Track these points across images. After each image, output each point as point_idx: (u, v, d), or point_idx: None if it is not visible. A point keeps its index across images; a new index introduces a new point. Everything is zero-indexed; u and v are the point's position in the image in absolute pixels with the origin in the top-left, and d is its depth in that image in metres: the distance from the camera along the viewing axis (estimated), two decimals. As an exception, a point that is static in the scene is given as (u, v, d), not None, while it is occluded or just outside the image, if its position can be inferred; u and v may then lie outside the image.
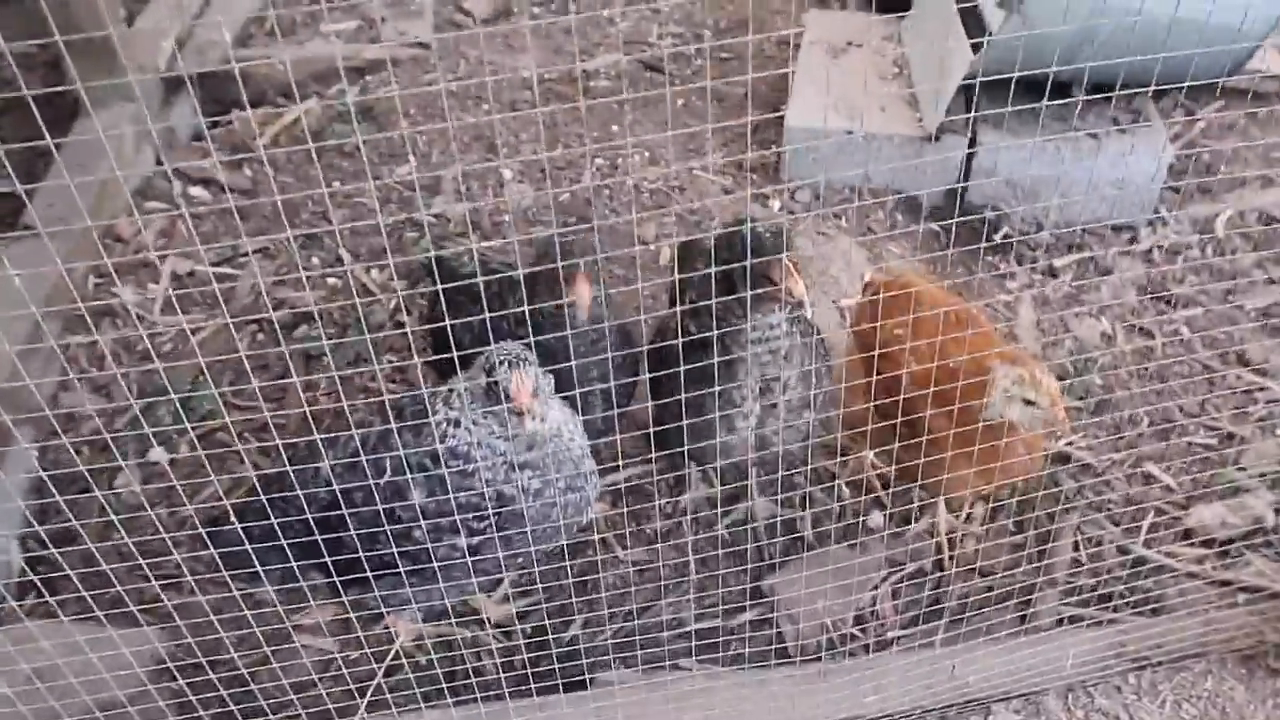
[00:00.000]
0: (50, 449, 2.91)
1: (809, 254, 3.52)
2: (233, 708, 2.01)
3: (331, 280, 3.48)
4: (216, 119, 4.16)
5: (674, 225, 3.69)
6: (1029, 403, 2.11)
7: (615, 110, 4.23)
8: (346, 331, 3.27)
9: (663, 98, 4.24)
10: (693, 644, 2.33)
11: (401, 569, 1.99)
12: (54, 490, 1.88)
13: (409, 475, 1.96)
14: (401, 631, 2.42)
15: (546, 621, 2.38)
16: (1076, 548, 2.63)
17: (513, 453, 1.96)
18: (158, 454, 2.94)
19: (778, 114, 3.85)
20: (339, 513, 1.87)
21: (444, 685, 2.24)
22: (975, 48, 3.44)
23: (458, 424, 1.98)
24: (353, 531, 1.84)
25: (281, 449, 2.43)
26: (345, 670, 2.39)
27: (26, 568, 2.64)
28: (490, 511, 1.97)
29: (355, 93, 4.38)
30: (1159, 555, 2.59)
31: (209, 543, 2.13)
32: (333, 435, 2.11)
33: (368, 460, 1.96)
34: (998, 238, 3.62)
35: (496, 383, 1.90)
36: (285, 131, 4.18)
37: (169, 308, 3.38)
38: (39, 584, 2.19)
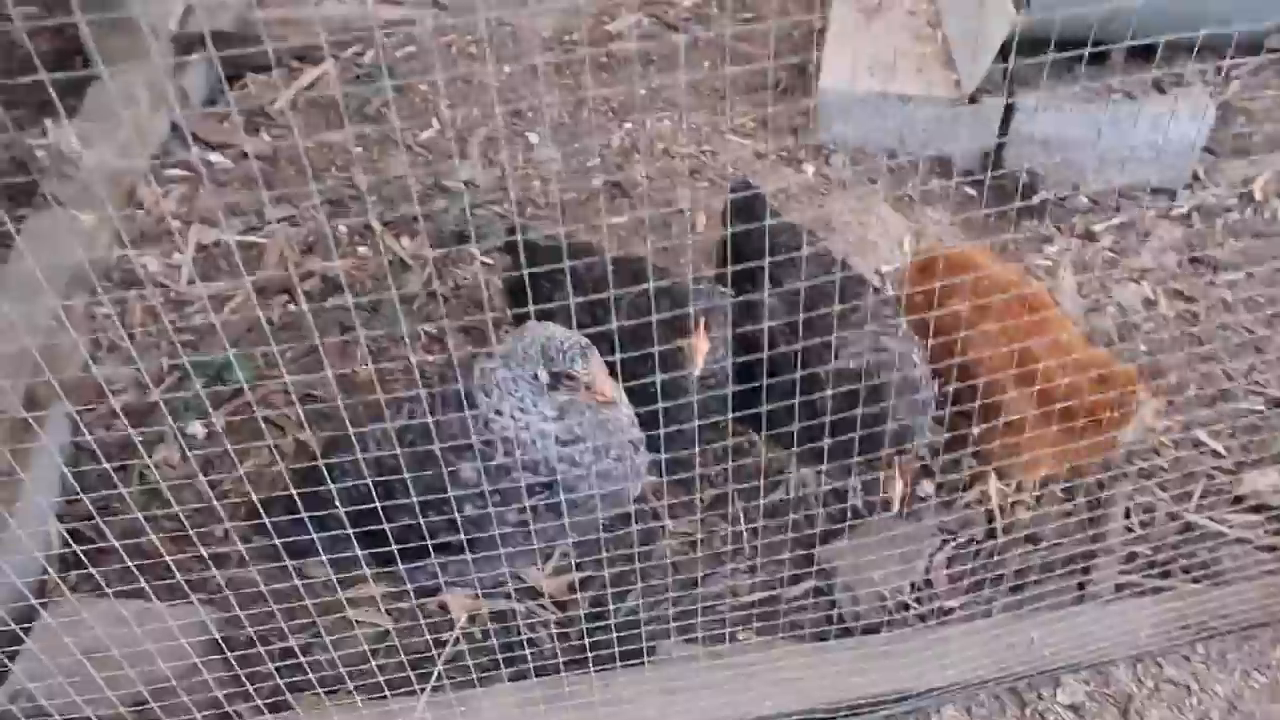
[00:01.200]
0: (84, 423, 2.85)
1: (845, 219, 3.47)
2: (282, 684, 1.99)
3: (362, 249, 3.41)
4: (230, 80, 4.08)
5: (706, 190, 3.63)
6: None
7: (640, 73, 4.15)
8: (379, 302, 3.22)
9: (689, 61, 4.16)
10: (752, 615, 2.32)
11: (460, 541, 1.95)
12: (100, 457, 1.83)
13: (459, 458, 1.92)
14: (457, 608, 2.40)
15: (607, 591, 2.35)
16: (1128, 515, 2.62)
17: (562, 432, 1.92)
18: (195, 428, 2.90)
19: (801, 70, 3.78)
20: (392, 479, 1.82)
21: (500, 659, 2.22)
22: (1015, 6, 3.37)
23: (500, 413, 1.93)
24: (411, 499, 1.77)
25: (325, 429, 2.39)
26: (400, 646, 2.37)
27: (68, 538, 2.60)
28: (541, 481, 1.93)
29: (372, 55, 4.28)
30: (1211, 522, 2.58)
31: (264, 515, 2.08)
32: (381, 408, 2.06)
33: (416, 437, 1.91)
34: (1034, 201, 3.57)
35: (559, 373, 1.85)
36: (302, 94, 4.09)
37: (196, 276, 3.31)
38: (81, 557, 2.15)
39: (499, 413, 1.92)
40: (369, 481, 1.78)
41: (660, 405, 1.69)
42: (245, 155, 3.79)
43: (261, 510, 2.05)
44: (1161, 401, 2.19)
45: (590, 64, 4.18)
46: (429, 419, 1.79)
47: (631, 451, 1.99)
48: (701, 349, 2.07)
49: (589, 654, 2.20)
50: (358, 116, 4.00)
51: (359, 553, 1.98)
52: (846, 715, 2.03)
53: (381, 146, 3.83)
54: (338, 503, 1.76)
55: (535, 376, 1.87)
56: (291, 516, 1.86)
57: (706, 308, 2.11)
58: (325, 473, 1.95)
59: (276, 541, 1.89)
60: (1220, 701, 2.09)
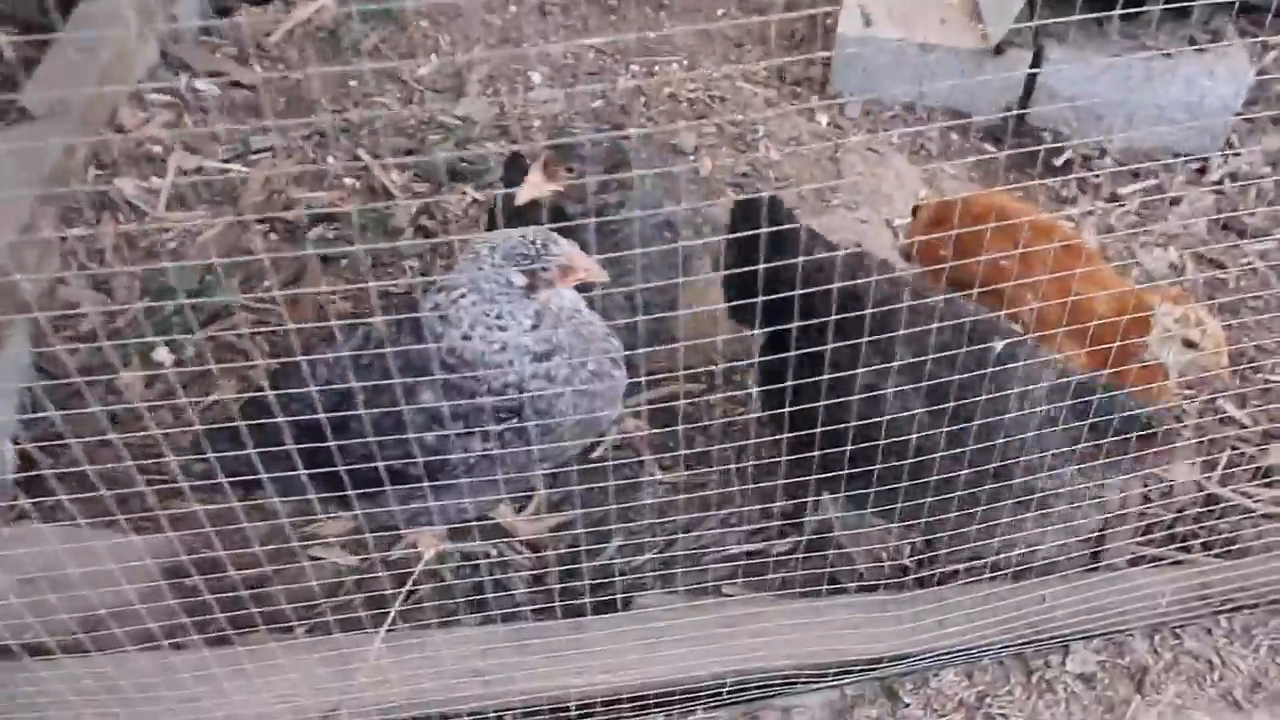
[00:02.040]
0: (46, 346, 2.70)
1: (859, 170, 3.30)
2: (224, 620, 1.83)
3: (349, 180, 3.25)
4: (225, 11, 3.92)
5: (715, 136, 3.46)
6: (1190, 344, 1.94)
7: (652, 15, 3.97)
8: (365, 233, 3.06)
9: (704, 5, 3.98)
10: (739, 568, 2.16)
11: (419, 473, 1.78)
12: (57, 377, 1.68)
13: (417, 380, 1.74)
14: (425, 547, 2.25)
15: (580, 532, 2.20)
16: (1145, 484, 2.46)
17: (537, 344, 1.77)
18: (162, 354, 2.74)
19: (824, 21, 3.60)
20: (344, 414, 1.66)
21: (466, 602, 2.07)
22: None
23: (469, 338, 1.77)
24: (365, 439, 1.61)
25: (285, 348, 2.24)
26: (359, 585, 2.22)
27: (23, 462, 2.45)
28: (508, 405, 1.77)
29: (373, -10, 4.10)
30: (1235, 494, 2.42)
31: (207, 449, 1.88)
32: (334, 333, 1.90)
33: (371, 361, 1.75)
34: (1058, 161, 3.40)
35: (535, 269, 1.71)
36: (299, 28, 3.92)
37: (175, 203, 3.15)
38: (41, 480, 2.00)
39: (467, 337, 1.76)
40: (320, 414, 1.61)
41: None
42: (235, 85, 3.63)
43: (205, 443, 1.87)
44: (1194, 310, 2.00)
45: (600, 6, 4.00)
46: (386, 347, 1.64)
47: (610, 366, 1.82)
48: (533, 183, 1.96)
49: (558, 602, 2.05)
50: (354, 51, 3.83)
51: (310, 492, 1.80)
52: (837, 674, 1.88)
53: (377, 81, 3.66)
54: (285, 436, 1.59)
55: (510, 283, 1.71)
56: (234, 452, 1.69)
57: (557, 147, 1.98)
58: (272, 402, 1.76)
59: (222, 480, 1.71)
60: (1244, 678, 1.93)
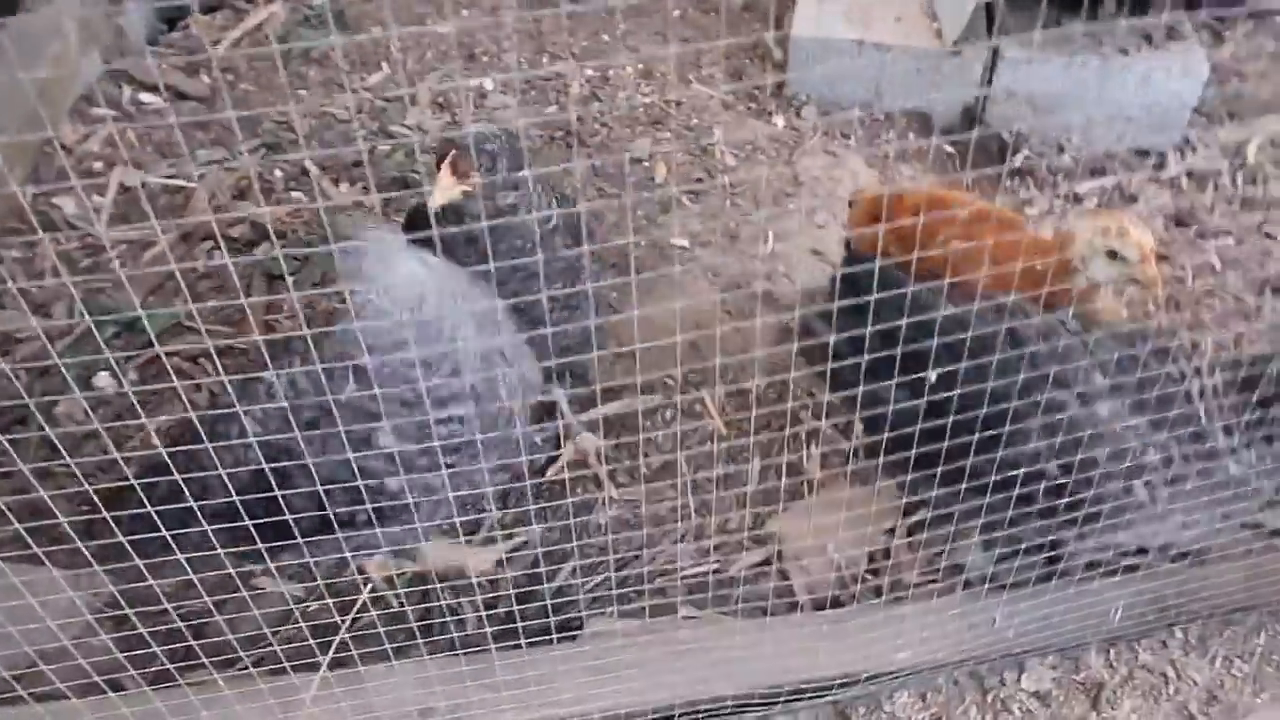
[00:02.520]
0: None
1: (815, 174, 3.26)
2: (162, 657, 1.77)
3: (296, 194, 3.18)
4: (172, 21, 3.83)
5: (670, 142, 3.41)
6: (1114, 255, 1.91)
7: (606, 19, 3.92)
8: (312, 249, 2.99)
9: (658, 7, 3.93)
10: (699, 590, 2.12)
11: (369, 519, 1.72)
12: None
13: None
14: (373, 572, 2.19)
15: (527, 552, 2.16)
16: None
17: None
18: (103, 379, 2.67)
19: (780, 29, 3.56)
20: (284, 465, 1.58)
21: (415, 628, 2.02)
22: (1001, -49, 3.16)
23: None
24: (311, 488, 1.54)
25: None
26: (307, 616, 2.16)
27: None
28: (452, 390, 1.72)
29: (324, -2, 4.03)
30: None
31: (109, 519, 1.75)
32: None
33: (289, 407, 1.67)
34: (1017, 160, 3.37)
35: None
36: (248, 37, 3.84)
37: (117, 220, 3.08)
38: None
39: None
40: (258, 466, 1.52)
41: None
42: (181, 97, 3.55)
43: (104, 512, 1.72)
44: (1117, 220, 2.00)
45: (552, 8, 3.94)
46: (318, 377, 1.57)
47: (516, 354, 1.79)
48: (444, 186, 1.91)
49: (492, 630, 2.00)
50: (303, 60, 3.76)
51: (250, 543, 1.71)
52: (788, 700, 1.84)
53: (326, 90, 3.59)
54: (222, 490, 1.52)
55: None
56: (137, 537, 1.60)
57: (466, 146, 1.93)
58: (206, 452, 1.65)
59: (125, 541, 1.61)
60: (1199, 691, 1.90)
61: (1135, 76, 3.29)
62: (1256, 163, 3.42)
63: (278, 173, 3.25)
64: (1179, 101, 3.34)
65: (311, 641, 1.97)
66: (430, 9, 3.91)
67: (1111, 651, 1.95)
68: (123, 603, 1.88)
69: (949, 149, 3.43)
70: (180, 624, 1.69)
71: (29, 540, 1.49)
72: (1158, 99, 3.32)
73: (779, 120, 3.48)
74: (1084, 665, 1.93)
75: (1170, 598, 2.03)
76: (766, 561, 2.30)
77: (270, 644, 1.94)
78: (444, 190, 1.90)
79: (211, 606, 1.80)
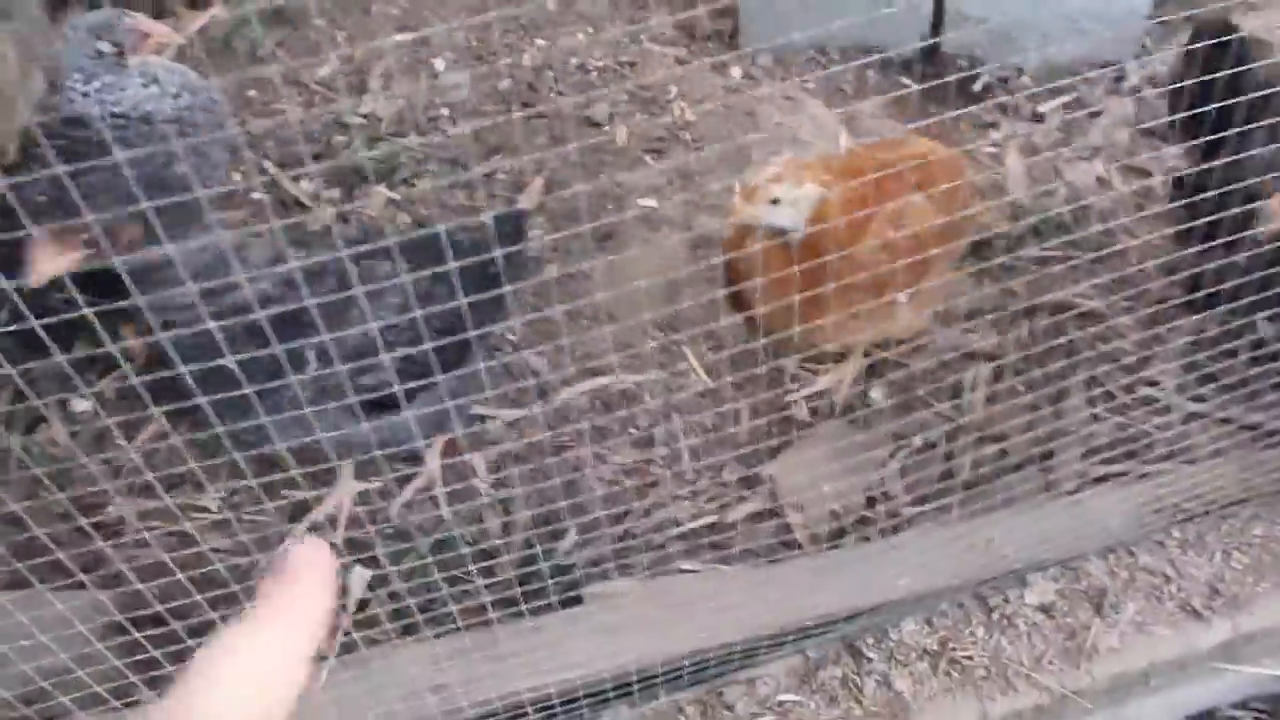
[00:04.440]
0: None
1: (775, 120, 3.24)
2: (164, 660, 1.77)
3: (256, 195, 3.15)
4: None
5: (627, 104, 3.38)
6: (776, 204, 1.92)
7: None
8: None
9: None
10: (698, 543, 2.12)
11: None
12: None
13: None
14: (343, 507, 2.21)
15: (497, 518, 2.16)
16: (1092, 403, 2.44)
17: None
18: (82, 404, 2.65)
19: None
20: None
21: (422, 604, 2.02)
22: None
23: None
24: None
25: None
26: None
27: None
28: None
29: (263, -7, 3.97)
30: (1184, 401, 2.41)
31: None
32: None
33: None
34: (976, 87, 3.35)
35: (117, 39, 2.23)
36: (192, 41, 3.78)
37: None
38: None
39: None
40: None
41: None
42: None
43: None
44: (789, 165, 1.99)
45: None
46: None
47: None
48: (41, 266, 1.58)
49: (492, 600, 2.00)
50: (251, 58, 3.71)
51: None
52: (795, 639, 1.85)
53: (276, 88, 3.54)
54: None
55: (100, 53, 2.23)
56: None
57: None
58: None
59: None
60: (1201, 586, 1.92)
61: (1086, -12, 3.27)
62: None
63: (236, 175, 3.21)
64: (1130, 10, 3.32)
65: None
66: (373, -5, 3.85)
67: (1111, 558, 1.96)
68: (118, 615, 1.88)
69: (908, 81, 3.41)
70: (178, 625, 1.68)
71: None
72: (1112, 9, 3.30)
73: (735, 70, 3.45)
74: (1085, 574, 1.94)
75: (1166, 498, 2.05)
76: (763, 508, 2.30)
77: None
78: (44, 265, 1.56)
79: (209, 608, 1.80)
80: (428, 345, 1.25)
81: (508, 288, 2.04)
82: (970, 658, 1.83)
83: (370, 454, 1.91)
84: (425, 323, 1.28)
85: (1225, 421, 2.32)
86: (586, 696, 1.77)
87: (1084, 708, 1.83)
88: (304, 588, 0.54)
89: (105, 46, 2.34)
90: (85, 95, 2.38)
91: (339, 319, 1.71)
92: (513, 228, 2.10)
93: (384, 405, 1.77)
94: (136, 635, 1.59)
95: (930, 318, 2.38)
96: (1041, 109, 3.29)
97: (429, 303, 1.52)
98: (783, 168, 1.98)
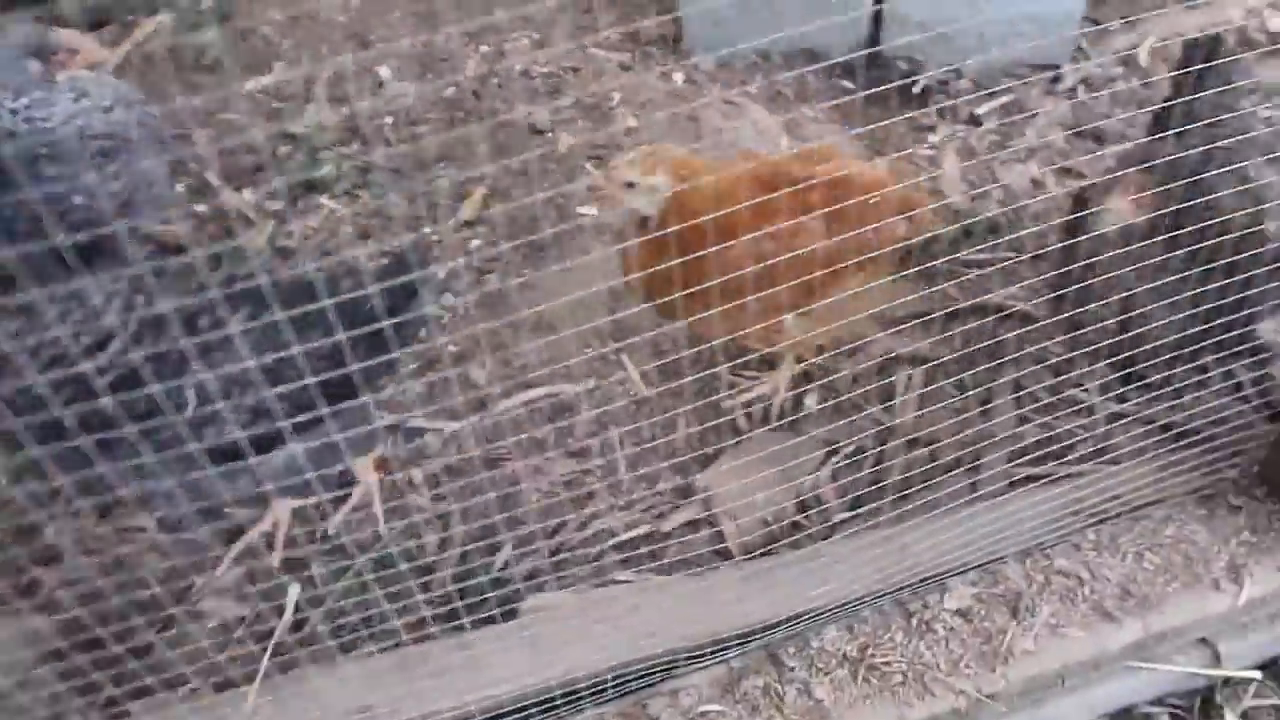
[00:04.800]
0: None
1: (716, 124, 3.26)
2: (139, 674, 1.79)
3: (199, 208, 3.14)
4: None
5: (570, 111, 3.39)
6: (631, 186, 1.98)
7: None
8: (220, 262, 2.96)
9: (548, -26, 3.89)
10: (632, 554, 2.16)
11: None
12: None
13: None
14: (280, 526, 2.24)
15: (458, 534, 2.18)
16: (1020, 404, 2.49)
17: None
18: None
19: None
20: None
21: (357, 623, 2.05)
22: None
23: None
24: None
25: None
26: (247, 631, 2.18)
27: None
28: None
29: (211, 2, 3.96)
30: (1107, 402, 2.46)
31: None
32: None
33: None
34: (916, 90, 3.39)
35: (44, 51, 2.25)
36: (137, 49, 3.77)
37: None
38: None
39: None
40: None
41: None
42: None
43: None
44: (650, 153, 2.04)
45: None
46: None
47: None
48: None
49: (431, 615, 2.03)
50: (195, 69, 3.70)
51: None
52: (717, 649, 1.89)
53: (220, 99, 3.53)
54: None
55: (28, 71, 2.26)
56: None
57: None
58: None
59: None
60: (1113, 588, 1.97)
61: (1022, -9, 3.31)
62: (1150, 64, 3.47)
63: (179, 188, 3.21)
64: (1067, 11, 3.37)
65: (253, 649, 2.00)
66: (319, 4, 3.84)
67: (1028, 561, 2.01)
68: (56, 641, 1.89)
69: (848, 84, 3.44)
70: (120, 648, 1.70)
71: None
72: (1048, 13, 3.35)
73: (677, 75, 3.48)
74: (1002, 578, 1.99)
75: (1084, 501, 2.10)
76: (698, 517, 2.34)
77: (212, 661, 1.97)
78: None
79: (150, 633, 1.83)
80: (272, 395, 1.29)
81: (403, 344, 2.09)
82: (889, 663, 1.88)
83: (285, 482, 1.93)
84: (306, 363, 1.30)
85: (1146, 422, 2.38)
86: (512, 713, 1.81)
87: (999, 711, 1.88)
88: None
89: (33, 63, 2.34)
90: (13, 112, 2.38)
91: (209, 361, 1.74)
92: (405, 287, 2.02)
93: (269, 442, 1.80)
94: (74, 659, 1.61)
95: (857, 327, 2.41)
96: (979, 111, 3.34)
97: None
98: (639, 155, 2.03)
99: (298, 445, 1.82)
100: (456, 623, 2.00)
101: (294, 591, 2.17)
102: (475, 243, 2.96)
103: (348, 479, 2.36)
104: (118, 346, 1.65)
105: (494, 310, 2.78)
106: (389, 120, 3.41)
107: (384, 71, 3.60)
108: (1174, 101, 2.24)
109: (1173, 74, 2.44)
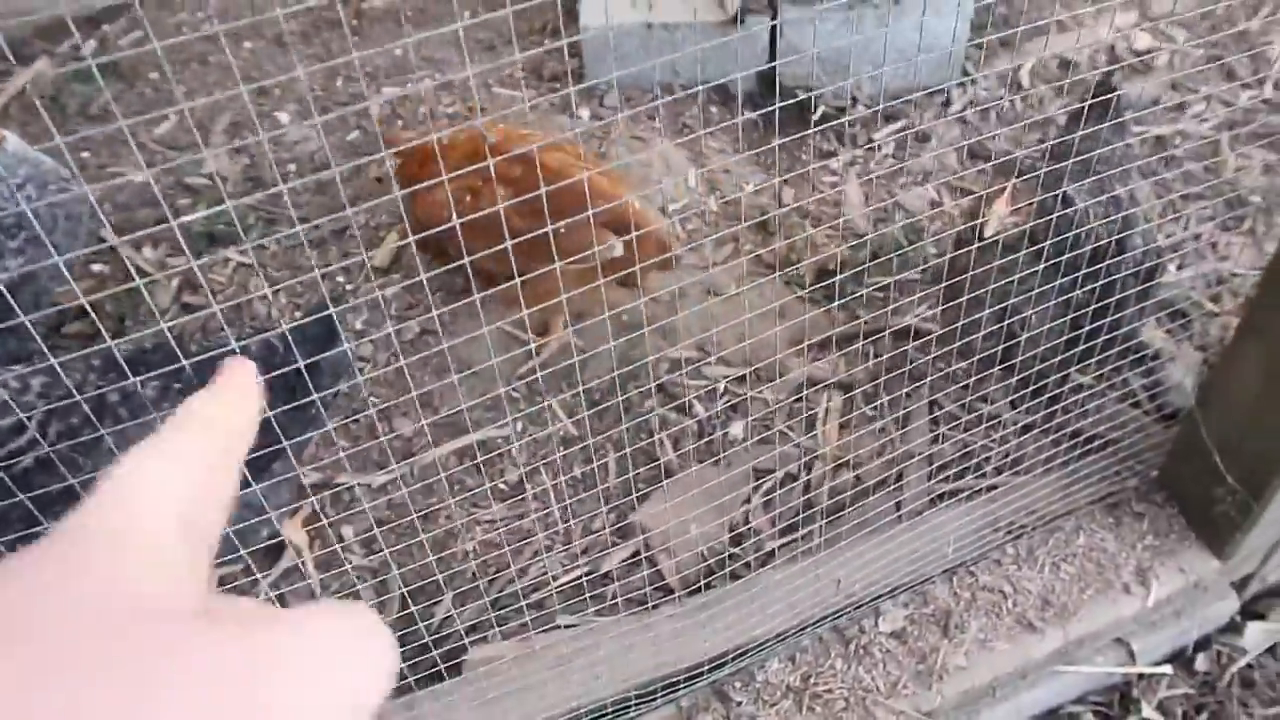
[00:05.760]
0: None
1: (625, 161, 3.31)
2: None
3: (96, 267, 3.03)
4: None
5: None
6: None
7: (395, 29, 3.85)
8: (123, 323, 2.87)
9: (447, 13, 3.89)
10: (577, 596, 2.17)
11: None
12: None
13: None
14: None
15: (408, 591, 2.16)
16: (935, 424, 2.60)
17: None
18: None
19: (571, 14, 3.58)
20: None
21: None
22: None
23: None
24: None
25: None
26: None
27: None
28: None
29: (94, 47, 3.82)
30: (1015, 415, 2.58)
31: None
32: None
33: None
34: (815, 116, 3.50)
35: None
36: (16, 100, 3.62)
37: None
38: None
39: None
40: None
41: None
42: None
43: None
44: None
45: (339, 30, 3.84)
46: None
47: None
48: None
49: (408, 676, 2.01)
50: (80, 118, 3.57)
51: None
52: (665, 693, 1.92)
53: (111, 149, 3.42)
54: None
55: None
56: None
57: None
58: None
59: None
60: (1034, 599, 2.08)
61: (910, 22, 3.45)
62: (1032, 84, 3.66)
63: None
64: (954, 39, 3.53)
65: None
66: (211, 47, 3.75)
67: (954, 579, 2.10)
68: None
69: (751, 115, 3.53)
70: None
71: None
72: (935, 38, 3.50)
73: (584, 112, 3.51)
74: (932, 598, 2.07)
75: (1000, 515, 2.20)
76: (636, 554, 2.37)
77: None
78: None
79: None
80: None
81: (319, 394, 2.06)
82: (831, 691, 1.94)
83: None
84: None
85: (1052, 431, 2.51)
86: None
87: (938, 726, 1.96)
88: (226, 394, 0.50)
89: None
90: None
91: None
92: (324, 330, 2.00)
93: None
94: None
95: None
96: (876, 136, 3.47)
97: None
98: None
99: None
100: (400, 683, 1.99)
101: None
102: (391, 290, 2.93)
103: (275, 540, 2.31)
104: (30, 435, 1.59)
105: (411, 354, 2.76)
106: (292, 167, 3.35)
107: (283, 116, 3.54)
108: (1068, 137, 2.37)
109: (1069, 108, 2.59)
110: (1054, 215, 1.91)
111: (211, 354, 1.97)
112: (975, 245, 2.00)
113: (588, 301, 2.43)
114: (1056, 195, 1.97)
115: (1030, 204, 2.06)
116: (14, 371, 1.75)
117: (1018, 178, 2.12)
